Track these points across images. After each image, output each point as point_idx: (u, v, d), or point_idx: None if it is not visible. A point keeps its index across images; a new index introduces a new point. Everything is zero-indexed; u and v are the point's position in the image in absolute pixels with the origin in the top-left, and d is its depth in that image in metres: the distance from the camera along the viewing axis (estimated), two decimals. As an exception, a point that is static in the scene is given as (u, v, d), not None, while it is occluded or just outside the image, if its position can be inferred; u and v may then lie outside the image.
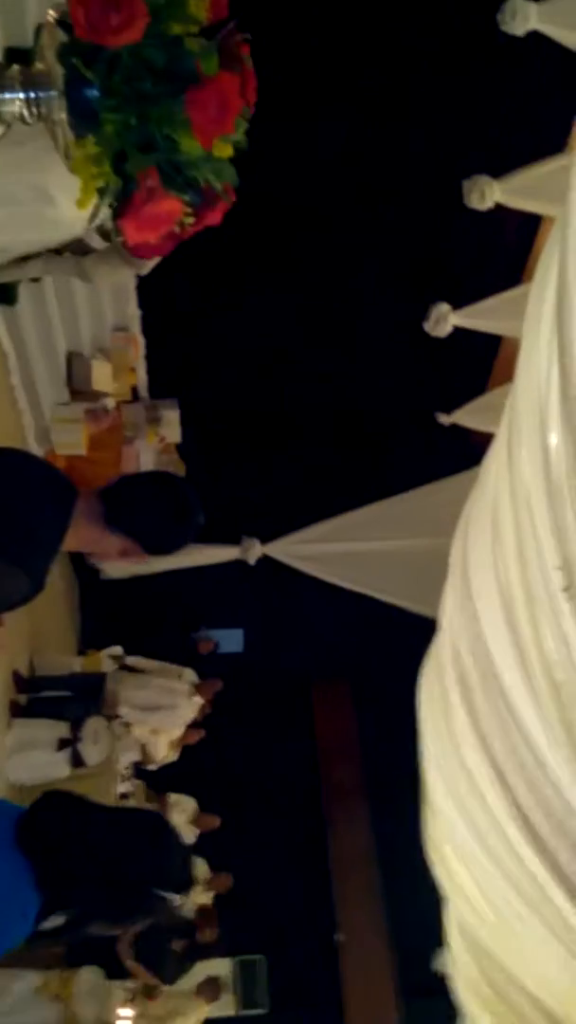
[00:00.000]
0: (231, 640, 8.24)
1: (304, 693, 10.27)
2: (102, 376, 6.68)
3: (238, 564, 5.94)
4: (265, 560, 5.85)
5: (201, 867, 7.40)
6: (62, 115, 2.11)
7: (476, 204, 5.48)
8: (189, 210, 2.17)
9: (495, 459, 1.85)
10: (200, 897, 7.28)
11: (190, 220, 2.19)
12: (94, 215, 2.48)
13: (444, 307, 6.19)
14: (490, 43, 5.30)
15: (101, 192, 2.13)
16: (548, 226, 6.48)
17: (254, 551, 5.70)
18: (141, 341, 6.98)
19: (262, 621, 9.71)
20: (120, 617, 8.37)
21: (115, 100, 2.00)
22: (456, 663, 2.08)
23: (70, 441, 6.39)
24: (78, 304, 6.21)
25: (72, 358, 6.63)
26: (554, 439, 1.24)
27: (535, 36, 5.15)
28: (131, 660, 7.51)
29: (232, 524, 6.18)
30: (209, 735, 7.81)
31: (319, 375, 8.38)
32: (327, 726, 9.97)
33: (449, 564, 2.52)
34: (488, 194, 5.41)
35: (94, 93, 2.01)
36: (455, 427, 6.81)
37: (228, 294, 7.53)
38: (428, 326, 6.26)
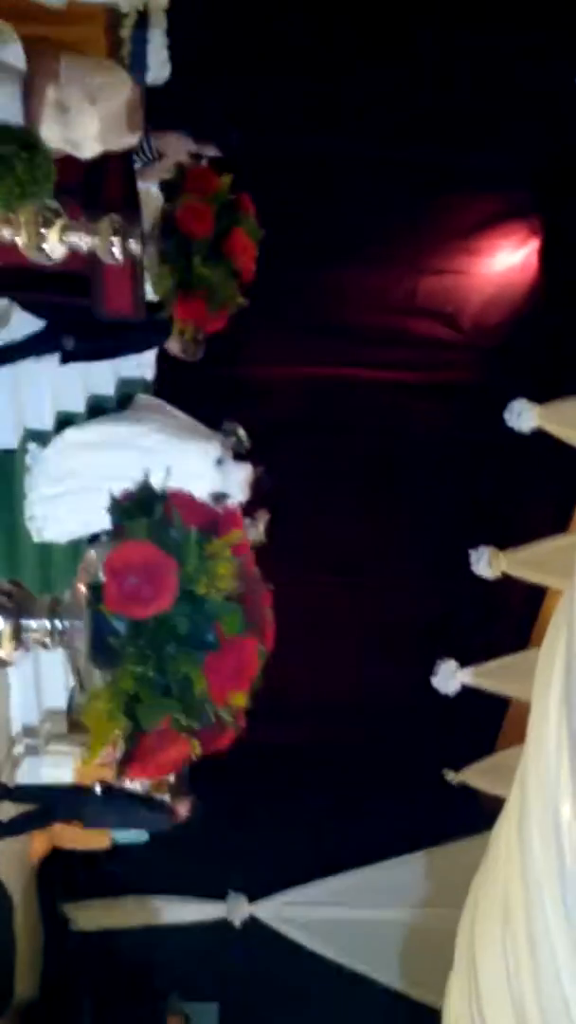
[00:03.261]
0: (204, 1017, 7.26)
1: None
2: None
3: (220, 924, 5.47)
4: (251, 921, 5.39)
5: None
6: (82, 645, 2.14)
7: (483, 572, 5.77)
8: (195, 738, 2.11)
9: (506, 838, 1.74)
10: None
11: (196, 750, 2.13)
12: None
13: (452, 664, 6.25)
14: (497, 434, 5.93)
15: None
16: (554, 597, 6.76)
17: (241, 910, 5.27)
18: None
19: (239, 990, 8.68)
20: (83, 973, 7.51)
21: (136, 655, 2.03)
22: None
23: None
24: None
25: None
26: (567, 818, 1.17)
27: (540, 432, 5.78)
28: None
29: (219, 875, 5.74)
30: None
31: (324, 718, 8.27)
32: None
33: (456, 950, 2.31)
34: (495, 564, 5.71)
35: (119, 633, 2.04)
36: (463, 786, 6.56)
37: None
38: (436, 681, 6.28)
